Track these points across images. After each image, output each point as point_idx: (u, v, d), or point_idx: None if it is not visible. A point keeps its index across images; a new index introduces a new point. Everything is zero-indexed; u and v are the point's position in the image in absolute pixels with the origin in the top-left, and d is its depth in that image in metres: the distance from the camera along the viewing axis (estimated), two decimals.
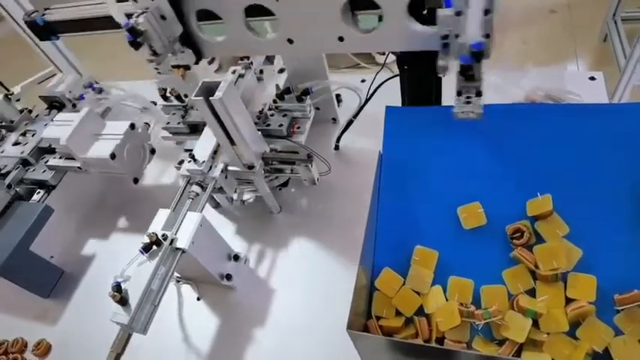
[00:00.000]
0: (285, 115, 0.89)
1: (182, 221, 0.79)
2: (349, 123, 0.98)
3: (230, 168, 0.87)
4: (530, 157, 0.74)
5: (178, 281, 0.93)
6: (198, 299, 0.90)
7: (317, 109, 1.07)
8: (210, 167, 0.85)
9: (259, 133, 0.86)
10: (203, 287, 0.91)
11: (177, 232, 0.78)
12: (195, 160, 0.84)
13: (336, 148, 1.04)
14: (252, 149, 0.82)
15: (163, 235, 0.76)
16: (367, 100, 0.93)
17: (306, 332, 0.80)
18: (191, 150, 0.87)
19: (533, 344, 0.64)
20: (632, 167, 0.68)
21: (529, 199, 0.71)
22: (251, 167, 0.85)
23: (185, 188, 0.86)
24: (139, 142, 0.96)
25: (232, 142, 0.81)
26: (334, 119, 1.10)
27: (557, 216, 0.68)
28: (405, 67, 0.81)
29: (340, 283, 0.72)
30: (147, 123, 1.00)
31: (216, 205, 1.02)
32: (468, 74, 0.58)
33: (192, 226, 0.79)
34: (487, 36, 0.53)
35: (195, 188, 0.84)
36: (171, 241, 0.77)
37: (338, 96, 1.12)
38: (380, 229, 0.76)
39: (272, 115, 0.90)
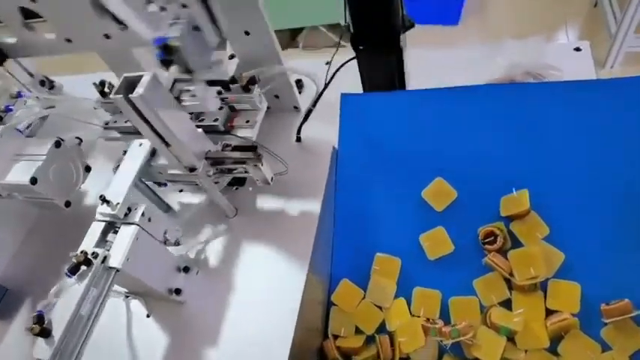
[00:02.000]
0: (221, 109, 0.79)
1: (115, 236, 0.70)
2: (308, 112, 0.88)
3: (170, 171, 0.78)
4: (504, 147, 0.64)
5: (127, 297, 0.84)
6: (148, 316, 0.81)
7: (276, 97, 0.97)
8: (130, 210, 0.74)
9: (200, 130, 0.76)
10: (153, 302, 0.82)
11: (110, 248, 0.69)
12: (107, 203, 0.73)
13: (298, 139, 0.94)
14: (191, 149, 0.73)
15: (93, 254, 0.67)
16: (325, 87, 0.83)
17: (263, 348, 0.72)
18: None
19: None
20: (620, 155, 0.59)
21: (503, 196, 0.61)
22: (193, 169, 0.75)
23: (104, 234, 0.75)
24: (68, 161, 0.85)
25: (167, 144, 0.71)
26: (296, 107, 0.99)
27: (535, 215, 0.60)
28: (361, 48, 0.70)
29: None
30: (78, 137, 0.89)
31: (167, 209, 0.93)
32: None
33: (126, 241, 0.70)
34: None
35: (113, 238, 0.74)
36: (104, 259, 0.68)
37: (299, 81, 1.02)
38: (337, 235, 0.67)
39: None
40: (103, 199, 0.72)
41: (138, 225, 0.72)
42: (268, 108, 1.00)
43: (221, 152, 0.78)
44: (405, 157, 0.66)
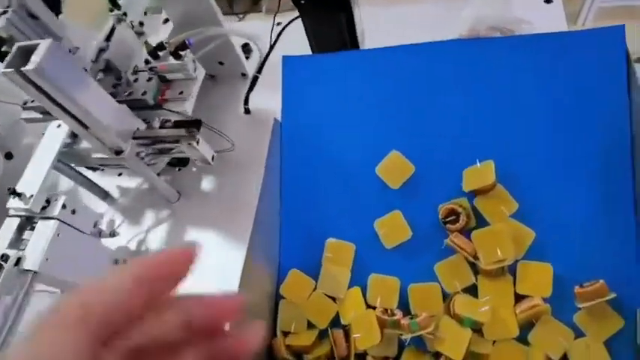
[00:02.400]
0: (150, 80, 0.68)
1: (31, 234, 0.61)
2: (254, 80, 0.78)
3: (95, 155, 0.68)
4: (467, 112, 0.56)
5: None
6: None
7: (220, 63, 0.87)
8: (49, 202, 0.64)
9: (125, 107, 0.66)
10: None
11: (25, 247, 0.60)
12: (19, 195, 0.63)
13: (247, 111, 0.84)
14: (113, 130, 0.63)
15: (3, 256, 0.58)
16: (270, 50, 0.73)
17: None
18: None
19: (475, 358, 0.50)
20: (597, 118, 0.52)
21: (466, 168, 0.54)
22: (119, 152, 0.65)
23: (20, 231, 0.65)
24: None
25: (84, 125, 0.61)
26: (244, 74, 0.89)
27: (502, 189, 0.52)
28: (302, 2, 0.60)
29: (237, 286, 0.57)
30: None
31: (105, 196, 0.83)
32: None
33: (43, 238, 0.61)
34: None
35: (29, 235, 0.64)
36: (17, 261, 0.59)
37: (245, 45, 0.91)
38: (284, 220, 0.60)
39: (135, 80, 0.69)
40: (13, 192, 0.62)
41: (58, 219, 0.63)
42: (213, 76, 0.91)
43: (150, 131, 0.68)
44: (356, 128, 0.58)
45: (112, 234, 0.73)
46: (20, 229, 0.63)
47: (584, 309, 0.49)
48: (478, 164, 0.53)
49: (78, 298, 0.19)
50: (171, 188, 0.77)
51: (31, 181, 0.64)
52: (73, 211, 0.65)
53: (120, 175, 0.86)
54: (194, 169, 0.82)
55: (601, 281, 0.48)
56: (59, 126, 0.69)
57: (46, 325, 0.18)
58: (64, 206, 0.63)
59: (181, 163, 0.82)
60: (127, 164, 0.67)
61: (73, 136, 0.71)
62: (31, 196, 0.62)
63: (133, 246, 0.77)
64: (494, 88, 0.56)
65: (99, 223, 0.71)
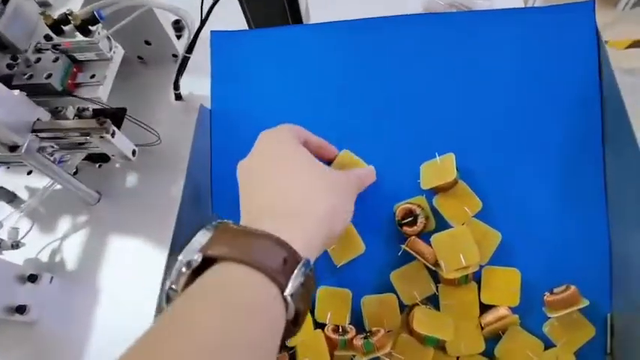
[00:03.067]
0: (56, 60, 0.57)
1: None
2: (184, 61, 0.68)
3: None
4: (423, 97, 0.49)
5: None
6: None
7: (147, 43, 0.76)
8: None
9: (19, 93, 0.54)
10: None
11: None
12: None
13: (178, 97, 0.74)
14: (4, 121, 0.51)
15: None
16: (202, 26, 0.63)
17: None
18: None
19: None
20: (566, 104, 0.46)
21: (424, 162, 0.47)
22: (14, 148, 0.54)
23: None
24: None
25: None
26: (175, 55, 0.79)
27: (464, 186, 0.46)
28: None
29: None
30: None
31: (12, 198, 0.71)
32: None
33: None
34: None
35: None
36: None
37: (177, 22, 0.80)
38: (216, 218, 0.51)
39: (38, 60, 0.57)
40: None
41: None
42: (140, 58, 0.79)
43: (53, 122, 0.57)
44: (296, 115, 0.50)
45: (15, 245, 0.62)
46: None
47: (554, 318, 0.44)
48: (437, 158, 0.46)
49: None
50: (88, 189, 0.66)
51: None
52: None
53: (30, 173, 0.74)
54: (117, 165, 0.71)
55: (572, 288, 0.43)
56: None
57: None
58: None
59: (101, 158, 0.71)
60: (26, 162, 0.55)
61: None
62: None
63: (44, 257, 0.66)
64: (453, 69, 0.49)
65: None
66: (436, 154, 0.46)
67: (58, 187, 0.70)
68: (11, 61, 0.57)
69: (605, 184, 0.46)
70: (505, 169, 0.46)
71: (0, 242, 0.60)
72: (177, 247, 0.48)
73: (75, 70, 0.60)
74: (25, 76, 0.57)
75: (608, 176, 0.46)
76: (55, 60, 0.57)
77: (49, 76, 0.55)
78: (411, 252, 0.45)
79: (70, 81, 0.57)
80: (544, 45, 0.49)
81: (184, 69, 0.69)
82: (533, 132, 0.47)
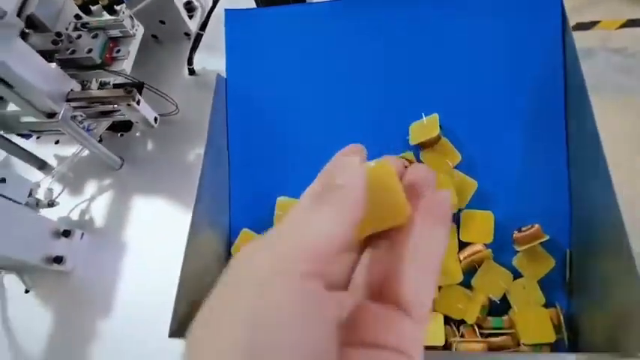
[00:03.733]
0: (95, 36, 0.64)
1: None
2: (197, 38, 0.75)
3: (24, 119, 0.63)
4: (412, 68, 0.57)
5: None
6: (27, 292, 0.70)
7: (162, 22, 0.83)
8: None
9: (55, 66, 0.61)
10: (32, 276, 0.71)
11: None
12: None
13: (191, 72, 0.81)
14: (44, 91, 0.58)
15: None
16: (214, 5, 0.70)
17: (156, 308, 0.63)
18: None
19: None
20: (534, 69, 0.54)
21: (412, 123, 0.55)
22: (52, 115, 0.61)
23: None
24: None
25: (8, 85, 0.56)
26: (187, 34, 0.85)
27: (446, 141, 0.54)
28: None
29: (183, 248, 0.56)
30: None
31: (42, 166, 0.78)
32: None
33: None
34: None
35: None
36: None
37: (189, 3, 0.87)
38: (233, 180, 0.59)
39: (78, 37, 0.64)
40: None
41: None
42: (155, 37, 0.86)
43: (86, 92, 0.64)
44: (304, 84, 0.57)
45: (51, 204, 0.69)
46: None
47: (521, 252, 0.52)
48: (424, 119, 0.53)
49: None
50: (113, 155, 0.73)
51: None
52: (3, 180, 0.61)
53: (57, 142, 0.81)
54: (137, 133, 0.78)
55: (536, 225, 0.51)
56: None
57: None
58: None
59: (123, 127, 0.78)
60: (62, 129, 0.63)
61: None
62: None
63: (75, 216, 0.74)
64: (440, 44, 0.57)
65: (35, 192, 0.66)
66: (422, 114, 0.53)
67: (85, 154, 0.77)
68: (56, 38, 0.64)
69: (566, 139, 0.53)
70: (481, 128, 0.54)
71: (37, 201, 0.68)
72: (200, 207, 0.53)
73: (111, 45, 0.66)
74: (68, 51, 0.64)
75: (569, 133, 0.53)
76: (95, 36, 0.64)
77: (90, 50, 0.62)
78: None
79: (107, 55, 0.64)
80: (513, 19, 0.56)
81: (198, 45, 0.76)
82: (505, 96, 0.54)
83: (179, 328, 0.43)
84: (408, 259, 0.19)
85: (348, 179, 0.19)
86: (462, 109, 0.54)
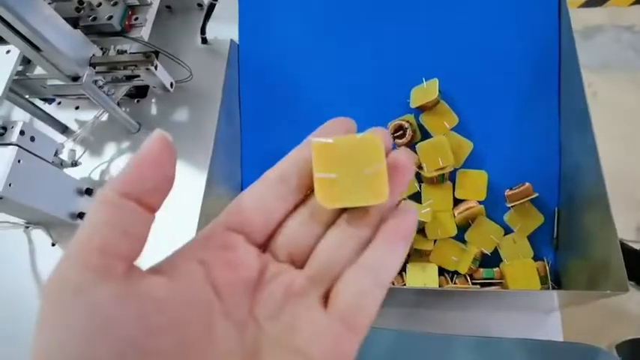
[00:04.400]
0: (115, 4, 0.67)
1: None
2: (210, 7, 0.78)
3: (50, 83, 0.67)
4: (415, 34, 0.60)
5: (27, 227, 0.77)
6: (53, 245, 0.75)
7: None
8: (5, 129, 0.64)
9: (79, 32, 0.65)
10: (58, 230, 0.76)
11: None
12: None
13: (204, 41, 0.84)
14: (69, 55, 0.62)
15: None
16: None
17: None
18: None
19: (419, 254, 0.57)
20: (529, 35, 0.56)
21: (414, 87, 0.58)
22: (76, 79, 0.65)
23: None
24: None
25: (37, 49, 0.60)
26: (199, 5, 0.88)
27: (444, 105, 0.57)
28: None
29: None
30: None
31: (64, 129, 0.83)
32: None
33: (4, 163, 0.61)
34: None
35: None
36: None
37: None
38: (244, 142, 0.63)
39: (99, 4, 0.68)
40: None
41: (17, 145, 0.63)
42: (168, 7, 0.89)
43: (107, 57, 0.68)
44: (313, 49, 0.60)
45: (74, 164, 0.74)
46: None
47: (512, 209, 0.56)
48: (424, 83, 0.57)
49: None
50: (130, 119, 0.77)
51: None
52: (32, 138, 0.65)
53: (77, 108, 0.85)
54: (153, 99, 0.82)
55: (527, 184, 0.54)
56: (8, 52, 0.68)
57: None
58: (22, 132, 0.64)
59: (140, 94, 0.82)
60: (85, 92, 0.67)
61: (26, 62, 0.70)
62: None
63: (96, 176, 0.79)
64: (440, 15, 0.59)
65: (59, 152, 0.71)
66: (423, 79, 0.57)
67: (104, 119, 0.81)
68: (78, 5, 0.67)
69: (558, 104, 0.56)
70: (478, 93, 0.57)
71: (62, 161, 0.73)
72: (214, 168, 0.56)
73: (130, 13, 0.70)
74: (90, 18, 0.67)
75: (561, 99, 0.56)
76: (114, 4, 0.67)
77: (110, 17, 0.66)
78: None
79: (126, 22, 0.67)
80: None
81: (211, 15, 0.79)
82: (501, 63, 0.57)
83: None
84: (360, 266, 0.19)
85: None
86: (460, 75, 0.57)
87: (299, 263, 0.21)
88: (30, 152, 0.64)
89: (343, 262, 0.19)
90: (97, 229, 0.17)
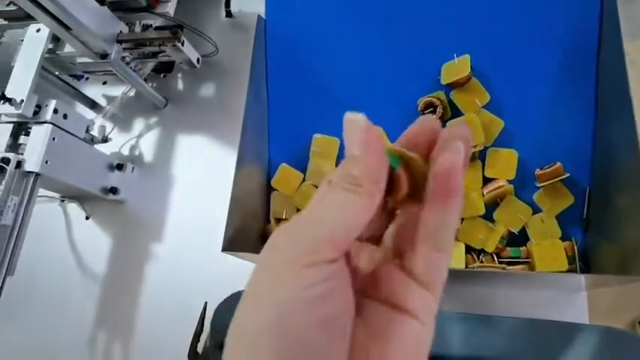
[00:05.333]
0: None
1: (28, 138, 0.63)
2: None
3: (80, 60, 0.68)
4: (445, 9, 0.58)
5: (63, 200, 0.80)
6: (87, 218, 0.78)
7: None
8: (39, 107, 0.65)
9: (105, 8, 0.65)
10: (91, 204, 0.79)
11: (23, 152, 0.63)
12: (9, 101, 0.63)
13: (228, 14, 0.83)
14: (97, 32, 0.63)
15: (4, 159, 0.61)
16: None
17: (204, 236, 0.70)
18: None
19: None
20: (563, 15, 0.54)
21: (445, 63, 0.57)
22: (104, 56, 0.66)
23: (15, 138, 0.66)
24: None
25: (67, 27, 0.61)
26: None
27: (476, 82, 0.56)
28: None
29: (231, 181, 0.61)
30: None
31: (93, 105, 0.84)
32: None
33: (40, 142, 0.63)
34: None
35: (25, 140, 0.65)
36: (17, 164, 0.62)
37: None
38: (272, 118, 0.63)
39: None
40: (2, 97, 0.63)
41: (52, 123, 0.65)
42: None
43: (134, 33, 0.68)
44: (342, 25, 0.59)
45: (105, 139, 0.76)
46: (15, 136, 0.65)
47: (542, 188, 0.55)
48: (455, 59, 0.55)
49: None
50: (157, 94, 0.78)
51: (19, 86, 0.65)
52: (65, 116, 0.67)
53: (104, 83, 0.86)
54: (179, 75, 0.83)
55: (558, 163, 0.53)
56: (38, 30, 0.68)
57: None
58: (55, 111, 0.65)
59: (165, 69, 0.82)
60: (113, 69, 0.67)
61: (56, 40, 0.71)
62: (22, 101, 0.63)
63: (125, 151, 0.81)
64: None
65: (90, 128, 0.73)
66: (454, 55, 0.55)
67: (131, 94, 0.82)
68: None
69: (596, 81, 0.55)
70: (511, 70, 0.56)
71: (92, 137, 0.74)
72: (244, 143, 0.56)
73: None
74: None
75: (599, 75, 0.54)
76: None
77: None
78: None
79: None
80: None
81: None
82: (536, 39, 0.55)
83: (230, 243, 0.49)
84: (419, 238, 0.20)
85: (364, 156, 0.19)
86: (493, 51, 0.56)
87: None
88: (63, 130, 0.66)
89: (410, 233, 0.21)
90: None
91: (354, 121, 0.19)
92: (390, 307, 0.20)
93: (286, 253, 0.19)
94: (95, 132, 0.75)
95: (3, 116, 0.65)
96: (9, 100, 0.63)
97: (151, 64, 0.76)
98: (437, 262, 0.20)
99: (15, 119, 0.65)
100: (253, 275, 0.20)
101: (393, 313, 0.20)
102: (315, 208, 0.20)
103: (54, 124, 0.64)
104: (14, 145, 0.65)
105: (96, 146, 0.75)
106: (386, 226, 0.23)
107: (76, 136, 0.69)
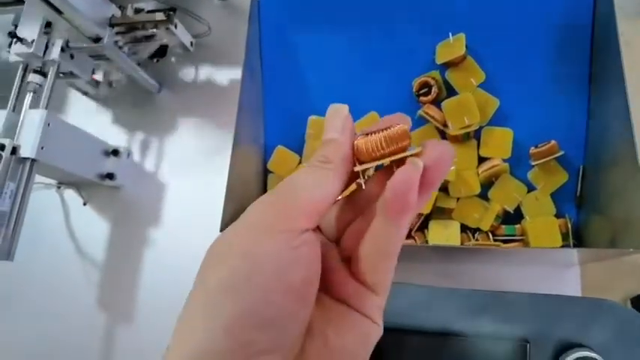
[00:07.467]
0: None
1: (23, 124, 0.63)
2: None
3: (73, 45, 0.67)
4: None
5: (59, 187, 0.80)
6: (85, 204, 0.78)
7: None
8: (47, 46, 0.65)
9: None
10: (88, 190, 0.79)
11: (18, 137, 0.63)
12: (21, 40, 0.63)
13: None
14: (89, 15, 0.62)
15: None
16: None
17: (200, 221, 0.71)
18: (15, 27, 0.65)
19: (441, 212, 0.58)
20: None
21: (439, 42, 0.57)
22: (97, 40, 0.65)
23: (23, 79, 0.66)
24: None
25: (58, 11, 0.60)
26: None
27: (471, 60, 0.56)
28: None
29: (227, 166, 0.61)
30: None
31: (87, 92, 0.84)
32: None
33: (35, 127, 0.63)
34: None
35: (35, 78, 0.65)
36: (13, 150, 0.61)
37: None
38: (267, 99, 0.63)
39: None
40: (15, 36, 0.62)
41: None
42: None
43: (127, 17, 0.67)
44: (336, 7, 0.59)
45: (110, 84, 0.77)
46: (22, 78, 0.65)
47: (536, 166, 0.56)
48: (450, 38, 0.55)
49: None
50: (151, 79, 0.77)
51: (30, 26, 0.63)
52: (72, 56, 0.66)
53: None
54: (172, 59, 0.82)
55: (553, 141, 0.54)
56: None
57: None
58: (62, 49, 0.64)
59: (159, 54, 0.81)
60: (107, 53, 0.67)
61: (47, 26, 0.70)
62: (33, 40, 0.63)
63: (121, 137, 0.80)
64: None
65: (96, 71, 0.74)
66: (449, 34, 0.55)
67: (123, 81, 0.82)
68: None
69: (590, 61, 0.55)
70: (507, 49, 0.56)
71: (97, 82, 0.74)
72: (240, 126, 0.56)
73: None
74: None
75: (594, 54, 0.55)
76: None
77: None
78: (425, 116, 0.56)
79: None
80: None
81: None
82: (531, 19, 0.55)
83: (228, 226, 0.50)
84: (366, 245, 0.21)
85: (337, 136, 0.22)
86: (488, 30, 0.56)
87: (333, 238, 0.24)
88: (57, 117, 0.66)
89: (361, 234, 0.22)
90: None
91: (339, 109, 0.22)
92: (346, 305, 0.22)
93: (263, 218, 0.21)
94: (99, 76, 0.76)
95: (13, 55, 0.64)
96: (20, 40, 0.63)
97: (145, 49, 0.76)
98: (383, 269, 0.21)
99: (26, 58, 0.64)
100: (226, 233, 0.21)
101: (349, 311, 0.22)
102: (290, 181, 0.21)
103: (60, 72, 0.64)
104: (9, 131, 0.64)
105: (91, 132, 0.75)
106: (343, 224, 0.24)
107: (82, 78, 0.70)
